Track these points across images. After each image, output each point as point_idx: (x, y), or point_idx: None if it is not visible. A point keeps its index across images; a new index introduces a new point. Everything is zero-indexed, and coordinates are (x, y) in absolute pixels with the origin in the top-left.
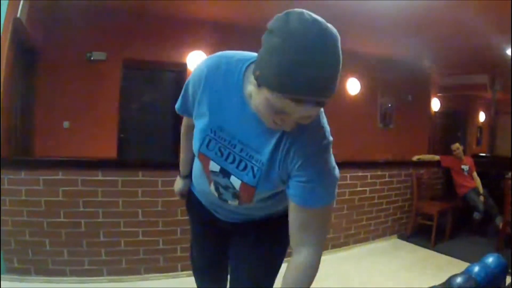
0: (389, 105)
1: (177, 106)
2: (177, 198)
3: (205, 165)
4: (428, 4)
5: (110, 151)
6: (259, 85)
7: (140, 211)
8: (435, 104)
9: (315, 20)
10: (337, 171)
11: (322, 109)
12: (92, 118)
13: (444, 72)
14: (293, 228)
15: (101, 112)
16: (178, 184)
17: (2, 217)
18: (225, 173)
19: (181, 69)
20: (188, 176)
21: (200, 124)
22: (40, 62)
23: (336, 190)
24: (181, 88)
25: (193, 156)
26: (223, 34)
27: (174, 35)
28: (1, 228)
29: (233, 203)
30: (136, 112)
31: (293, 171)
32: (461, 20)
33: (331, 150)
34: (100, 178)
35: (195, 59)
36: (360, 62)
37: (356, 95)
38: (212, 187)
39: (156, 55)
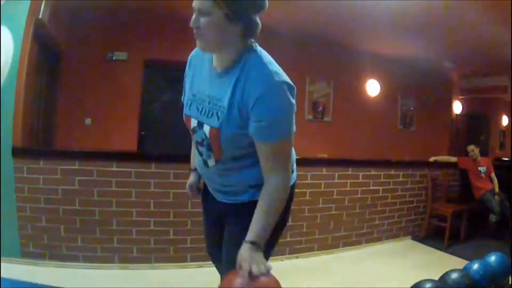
0: (411, 108)
1: (182, 98)
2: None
3: (188, 125)
4: (448, 5)
5: (131, 148)
6: None
7: (152, 201)
8: (457, 107)
9: None
10: (291, 108)
11: (262, 53)
12: (114, 116)
13: (465, 74)
14: (261, 161)
15: (122, 110)
16: (189, 178)
17: (20, 204)
18: (200, 125)
19: None
20: (196, 169)
21: (185, 94)
22: (63, 61)
23: (291, 127)
24: None
25: None
26: None
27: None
28: (19, 213)
29: (210, 162)
30: (157, 110)
31: (250, 112)
32: (482, 21)
33: (284, 91)
34: (114, 169)
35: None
36: (380, 64)
37: (376, 97)
38: (198, 154)
39: (176, 55)
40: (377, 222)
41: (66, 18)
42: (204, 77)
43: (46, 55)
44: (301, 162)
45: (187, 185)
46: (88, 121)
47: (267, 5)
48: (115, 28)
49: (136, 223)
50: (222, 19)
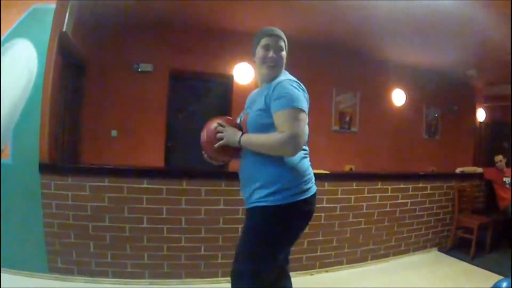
0: (436, 115)
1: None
2: (219, 206)
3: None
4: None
5: (158, 160)
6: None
7: (183, 218)
8: (481, 115)
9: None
10: (298, 91)
11: (290, 81)
12: (140, 127)
13: (489, 81)
14: (278, 130)
15: (149, 122)
16: None
17: (47, 220)
18: (240, 119)
19: (227, 80)
20: None
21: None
22: (87, 73)
23: (294, 102)
24: (227, 99)
25: None
26: None
27: (221, 46)
28: (46, 229)
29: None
30: (183, 121)
31: (271, 97)
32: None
33: (290, 83)
34: (145, 186)
35: (242, 71)
36: (405, 73)
37: (401, 106)
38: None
39: (202, 66)
40: (405, 234)
41: (89, 30)
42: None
43: (70, 67)
44: (332, 177)
45: None
46: (114, 133)
47: None
48: (140, 39)
49: (167, 240)
50: (285, 53)
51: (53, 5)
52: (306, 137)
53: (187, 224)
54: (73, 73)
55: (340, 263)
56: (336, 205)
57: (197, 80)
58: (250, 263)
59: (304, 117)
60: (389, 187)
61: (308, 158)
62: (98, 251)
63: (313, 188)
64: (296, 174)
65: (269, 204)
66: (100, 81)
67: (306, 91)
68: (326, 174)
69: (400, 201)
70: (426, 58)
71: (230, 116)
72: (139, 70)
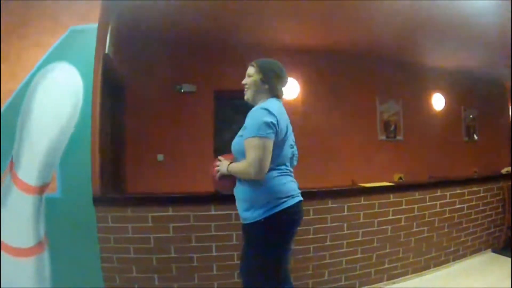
0: (471, 116)
1: None
2: None
3: None
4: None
5: (206, 181)
6: None
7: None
8: None
9: None
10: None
11: (258, 108)
12: (187, 150)
13: None
14: None
15: (195, 144)
16: None
17: (105, 254)
18: None
19: None
20: None
21: None
22: (128, 96)
23: (254, 131)
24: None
25: None
26: (313, 63)
27: None
28: (104, 264)
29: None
30: (230, 141)
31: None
32: None
33: (258, 110)
34: (213, 212)
35: (286, 87)
36: (442, 76)
37: (441, 110)
38: None
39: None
40: (462, 239)
41: (130, 51)
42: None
43: (112, 91)
44: (396, 189)
45: None
46: (160, 157)
47: (287, 82)
48: (181, 60)
49: (238, 266)
50: (257, 80)
51: (92, 26)
52: (266, 161)
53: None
54: (115, 97)
55: (405, 273)
56: (401, 216)
57: (242, 100)
58: (256, 275)
59: (264, 143)
60: (447, 193)
61: (286, 175)
62: (163, 283)
63: (292, 200)
64: (271, 191)
65: (252, 220)
66: (142, 103)
67: (280, 113)
68: (391, 186)
69: (457, 206)
70: (461, 60)
71: None
72: (182, 91)
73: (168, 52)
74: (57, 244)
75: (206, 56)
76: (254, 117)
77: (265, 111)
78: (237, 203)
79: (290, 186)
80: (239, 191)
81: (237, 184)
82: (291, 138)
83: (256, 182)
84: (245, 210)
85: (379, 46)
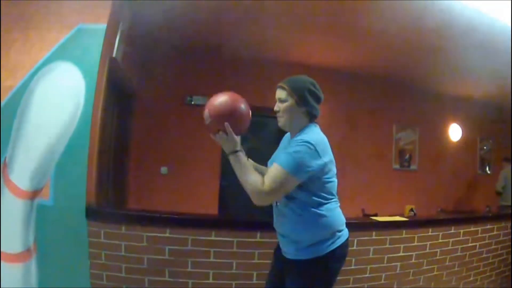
0: (485, 147)
1: None
2: None
3: None
4: None
5: (211, 199)
6: None
7: (255, 273)
8: None
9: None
10: (291, 160)
11: (303, 142)
12: (192, 164)
13: None
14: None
15: (202, 158)
16: None
17: (94, 271)
18: None
19: None
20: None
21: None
22: (135, 103)
23: (290, 165)
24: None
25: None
26: (332, 81)
27: (279, 80)
28: (93, 281)
29: (278, 203)
30: None
31: None
32: None
33: (303, 145)
34: (213, 238)
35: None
36: (459, 106)
37: (457, 142)
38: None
39: (258, 101)
40: (471, 278)
41: (140, 57)
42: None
43: (117, 97)
44: (410, 224)
45: None
46: (164, 170)
47: (323, 98)
48: (193, 70)
49: None
50: (292, 104)
51: (101, 26)
52: (279, 197)
53: (258, 279)
54: (120, 104)
55: None
56: (412, 253)
57: (254, 116)
58: None
59: (289, 182)
60: (461, 231)
61: (338, 205)
62: None
63: (345, 232)
64: (335, 224)
65: (309, 257)
66: (149, 112)
67: (327, 148)
68: (404, 221)
69: (469, 244)
70: (478, 89)
71: None
72: (192, 103)
73: (180, 61)
74: (46, 253)
75: (219, 68)
76: (299, 152)
77: (314, 153)
78: (285, 237)
79: (343, 218)
80: (293, 226)
81: (287, 217)
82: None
83: (318, 218)
84: (298, 245)
85: (400, 73)
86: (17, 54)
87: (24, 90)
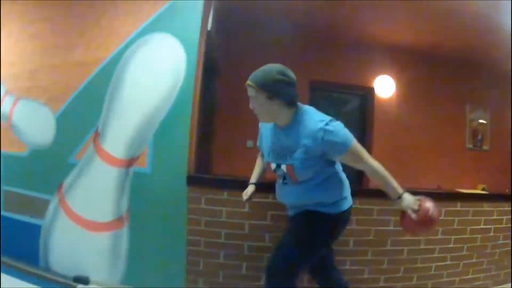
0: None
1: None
2: (389, 227)
3: (269, 167)
4: None
5: None
6: None
7: (351, 240)
8: None
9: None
10: (345, 134)
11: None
12: None
13: None
14: (353, 166)
15: None
16: (248, 188)
17: (192, 237)
18: (278, 166)
19: (368, 92)
20: (254, 184)
21: (263, 148)
22: (221, 78)
23: (346, 137)
24: (368, 112)
25: (261, 170)
26: (410, 60)
27: (362, 58)
28: (189, 247)
29: (291, 184)
30: None
31: (327, 151)
32: None
33: (334, 125)
34: None
35: (383, 84)
36: None
37: None
38: (281, 182)
39: (343, 78)
40: None
41: (229, 32)
42: (269, 134)
43: (208, 71)
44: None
45: (243, 194)
46: (250, 143)
47: (296, 80)
48: (280, 47)
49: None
50: (264, 100)
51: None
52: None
53: (355, 246)
54: (210, 78)
55: (486, 286)
56: (491, 226)
57: (337, 92)
58: (287, 262)
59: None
60: None
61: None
62: (251, 273)
63: (350, 199)
64: (348, 186)
65: (327, 211)
66: (234, 85)
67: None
68: (486, 195)
69: None
70: None
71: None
72: None
73: (267, 38)
74: (139, 221)
75: (305, 45)
76: (337, 126)
77: (331, 122)
78: (308, 205)
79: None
80: (314, 192)
81: (305, 185)
82: None
83: (338, 180)
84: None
85: (476, 54)
86: (107, 25)
87: (117, 60)
